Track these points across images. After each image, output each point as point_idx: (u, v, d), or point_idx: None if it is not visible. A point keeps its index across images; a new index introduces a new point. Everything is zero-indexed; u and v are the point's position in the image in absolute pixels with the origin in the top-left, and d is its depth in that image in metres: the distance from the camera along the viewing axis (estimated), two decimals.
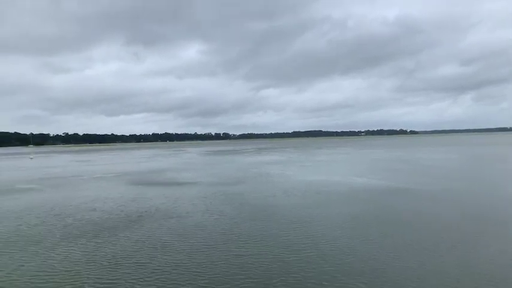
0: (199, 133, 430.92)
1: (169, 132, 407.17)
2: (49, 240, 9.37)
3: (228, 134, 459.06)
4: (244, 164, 34.41)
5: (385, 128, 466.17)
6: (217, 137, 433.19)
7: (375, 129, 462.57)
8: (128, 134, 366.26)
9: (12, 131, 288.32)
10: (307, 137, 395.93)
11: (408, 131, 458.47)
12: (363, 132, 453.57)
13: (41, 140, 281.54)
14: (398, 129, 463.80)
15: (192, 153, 67.88)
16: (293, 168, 28.46)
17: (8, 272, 7.18)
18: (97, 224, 11.01)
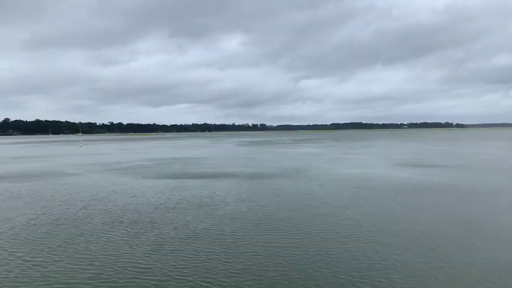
0: (237, 124, 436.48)
1: (208, 122, 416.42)
2: (92, 224, 9.86)
3: (265, 125, 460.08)
4: (280, 156, 34.32)
5: (430, 121, 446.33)
6: (255, 128, 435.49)
7: (418, 122, 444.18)
8: (169, 124, 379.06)
9: (63, 119, 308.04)
10: (347, 129, 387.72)
11: (454, 124, 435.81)
12: (405, 125, 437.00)
13: (88, 128, 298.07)
14: (443, 122, 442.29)
15: (229, 143, 68.75)
16: (330, 161, 27.99)
17: (53, 252, 7.65)
18: (136, 210, 11.44)
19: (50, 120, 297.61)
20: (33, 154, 42.62)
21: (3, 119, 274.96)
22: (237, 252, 7.52)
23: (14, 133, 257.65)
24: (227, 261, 7.01)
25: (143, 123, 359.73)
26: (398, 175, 19.09)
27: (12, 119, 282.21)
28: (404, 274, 6.35)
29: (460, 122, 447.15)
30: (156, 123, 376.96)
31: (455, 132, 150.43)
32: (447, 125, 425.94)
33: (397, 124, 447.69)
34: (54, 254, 7.50)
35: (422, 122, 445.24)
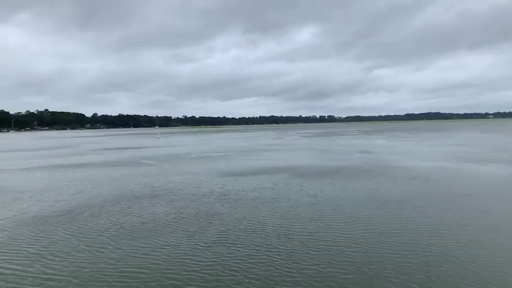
0: (303, 116, 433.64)
1: (275, 115, 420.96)
2: (156, 214, 10.30)
3: (333, 116, 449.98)
4: (346, 147, 33.05)
5: None
6: (322, 119, 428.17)
7: (507, 111, 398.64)
8: (237, 117, 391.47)
9: (142, 114, 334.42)
10: (422, 119, 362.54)
11: None
12: (490, 114, 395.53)
13: (164, 122, 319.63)
14: None
15: (294, 135, 68.27)
16: (399, 153, 26.21)
17: (116, 240, 8.12)
18: (200, 201, 11.71)
19: (131, 114, 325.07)
20: (119, 145, 46.51)
21: (92, 114, 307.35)
22: (294, 249, 7.25)
23: (101, 126, 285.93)
24: (283, 258, 6.78)
25: (214, 116, 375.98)
26: (476, 170, 17.15)
27: (99, 113, 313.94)
28: None
29: None
30: (226, 116, 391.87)
31: None
32: None
33: (480, 114, 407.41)
34: (117, 242, 7.95)
35: (511, 111, 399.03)
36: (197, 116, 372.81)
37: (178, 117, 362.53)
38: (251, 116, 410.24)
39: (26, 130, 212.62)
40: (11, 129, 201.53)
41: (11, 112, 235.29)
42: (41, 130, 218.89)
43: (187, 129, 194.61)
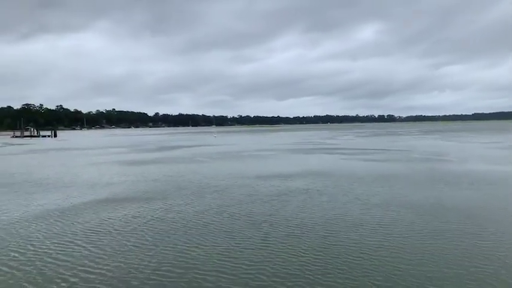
0: (360, 115, 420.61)
1: (330, 114, 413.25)
2: (198, 213, 10.30)
3: (392, 116, 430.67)
4: (404, 148, 31.10)
5: None
6: (381, 119, 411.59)
7: None
8: (291, 117, 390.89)
9: (200, 113, 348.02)
10: (493, 119, 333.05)
11: None
12: None
13: (221, 121, 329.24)
14: None
15: (349, 135, 66.08)
16: (465, 156, 24.02)
17: (155, 238, 8.20)
18: (240, 201, 11.53)
19: (190, 114, 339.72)
20: (180, 143, 48.47)
21: (154, 113, 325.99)
22: (337, 257, 6.76)
23: (163, 125, 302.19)
24: (325, 267, 6.34)
25: (268, 116, 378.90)
26: None
27: (160, 113, 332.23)
28: None
29: None
30: (280, 116, 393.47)
31: None
32: None
33: None
34: (154, 238, 7.99)
35: None
36: (252, 116, 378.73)
37: (233, 117, 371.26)
38: (306, 116, 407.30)
39: (96, 128, 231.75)
40: (83, 127, 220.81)
41: (83, 111, 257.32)
42: (109, 128, 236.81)
43: (242, 128, 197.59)
